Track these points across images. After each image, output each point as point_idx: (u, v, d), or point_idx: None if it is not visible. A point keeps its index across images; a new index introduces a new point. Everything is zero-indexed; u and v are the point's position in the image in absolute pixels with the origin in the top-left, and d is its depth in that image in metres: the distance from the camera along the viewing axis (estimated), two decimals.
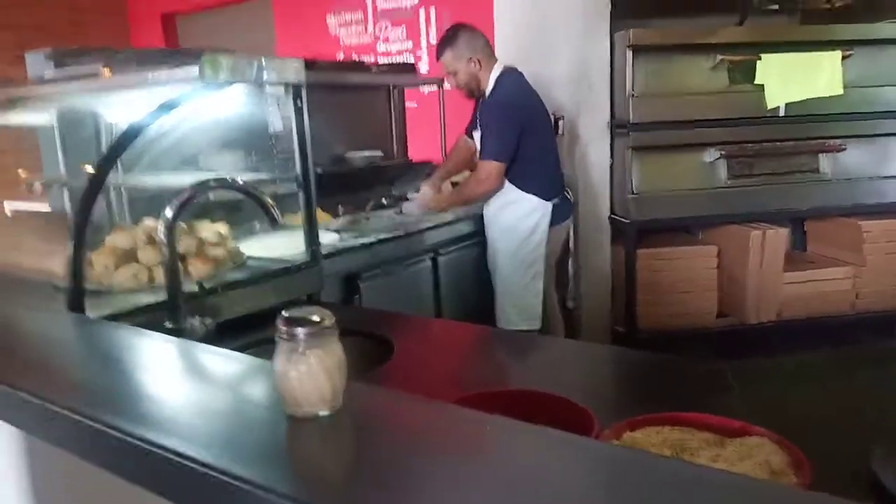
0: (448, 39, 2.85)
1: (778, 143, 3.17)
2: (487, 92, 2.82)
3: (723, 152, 3.11)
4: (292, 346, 0.69)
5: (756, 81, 3.02)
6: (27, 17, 6.49)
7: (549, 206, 2.78)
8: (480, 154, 2.79)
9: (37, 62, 2.41)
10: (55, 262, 1.55)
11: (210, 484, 0.61)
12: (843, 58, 3.00)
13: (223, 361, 0.92)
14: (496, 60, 2.85)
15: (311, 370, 0.68)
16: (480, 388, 1.21)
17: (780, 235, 3.19)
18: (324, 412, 0.70)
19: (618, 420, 0.88)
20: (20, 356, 1.04)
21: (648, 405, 1.10)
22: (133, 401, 0.83)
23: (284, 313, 0.70)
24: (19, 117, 2.55)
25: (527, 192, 2.77)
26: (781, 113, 3.05)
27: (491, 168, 2.73)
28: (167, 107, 1.51)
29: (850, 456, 0.84)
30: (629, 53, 3.00)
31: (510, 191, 2.79)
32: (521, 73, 2.86)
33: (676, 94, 3.07)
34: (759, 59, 3.01)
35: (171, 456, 0.65)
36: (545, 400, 0.87)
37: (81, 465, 0.78)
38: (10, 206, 5.25)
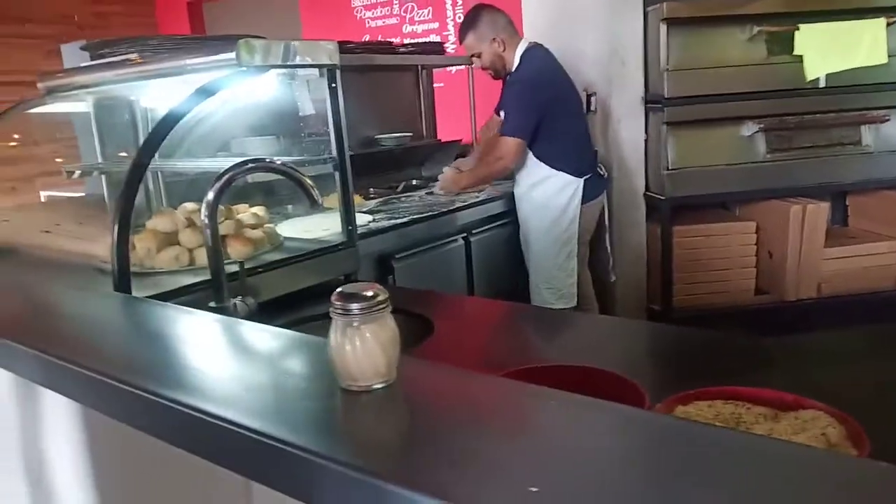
0: (469, 22, 2.83)
1: (818, 115, 3.08)
2: (513, 70, 2.79)
3: (761, 126, 3.04)
4: (347, 321, 0.70)
5: (795, 52, 2.94)
6: (52, 10, 6.59)
7: (580, 182, 2.75)
8: (501, 131, 2.76)
9: (73, 53, 2.45)
10: (95, 246, 1.58)
11: (268, 451, 0.62)
12: (888, 24, 2.90)
13: (272, 337, 0.93)
14: (521, 38, 2.82)
15: (365, 345, 0.69)
16: (525, 365, 1.22)
17: (820, 210, 3.12)
18: (378, 385, 0.71)
19: (665, 396, 0.87)
20: (74, 334, 1.06)
21: (693, 381, 1.09)
22: (189, 374, 0.85)
23: (340, 289, 0.71)
24: (58, 108, 2.60)
25: (557, 169, 2.75)
26: (822, 84, 2.96)
27: (508, 145, 2.71)
28: (205, 92, 1.52)
29: None
30: (663, 27, 2.94)
31: (540, 169, 2.76)
32: (546, 50, 2.82)
33: (712, 67, 3.00)
34: (798, 29, 2.92)
35: (229, 426, 0.66)
36: (594, 375, 0.86)
37: (137, 436, 0.79)
38: (44, 193, 5.38)
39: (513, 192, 2.93)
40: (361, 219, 2.51)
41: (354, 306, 0.69)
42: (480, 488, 0.53)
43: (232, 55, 1.49)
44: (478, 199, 2.87)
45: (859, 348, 1.38)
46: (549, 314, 1.78)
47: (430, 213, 2.61)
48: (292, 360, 0.86)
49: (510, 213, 2.96)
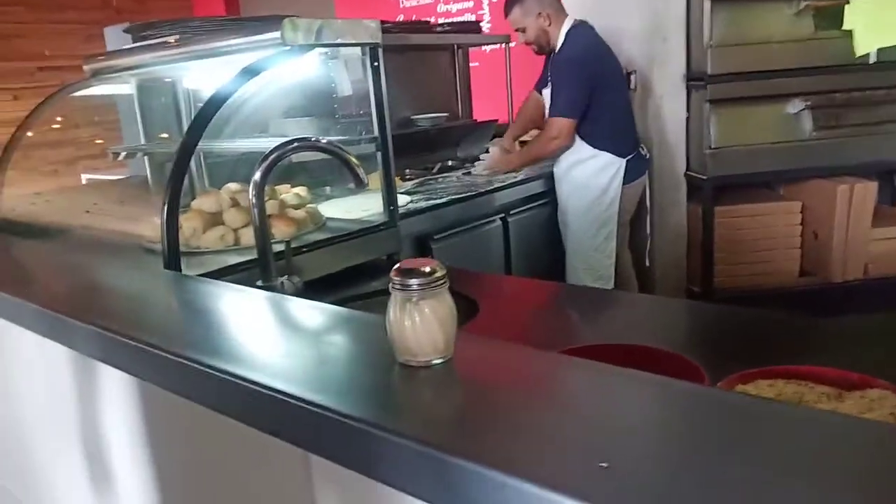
0: None
1: (868, 92, 2.98)
2: (558, 47, 2.75)
3: (808, 103, 2.95)
4: (406, 296, 0.70)
5: (844, 27, 2.84)
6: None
7: (622, 162, 2.71)
8: (550, 110, 2.73)
9: (116, 37, 2.48)
10: (140, 226, 1.61)
11: (328, 424, 0.62)
12: None
13: (325, 313, 0.94)
14: (566, 15, 2.77)
15: (424, 320, 0.69)
16: (569, 343, 1.21)
17: (868, 189, 3.03)
18: (437, 360, 0.71)
19: (721, 376, 0.86)
20: (130, 310, 1.08)
21: (747, 361, 1.07)
22: (245, 349, 0.86)
23: (398, 264, 0.71)
24: (101, 90, 2.64)
25: (599, 148, 2.71)
26: (872, 60, 2.86)
27: (562, 124, 2.68)
28: (250, 72, 1.53)
29: None
30: (707, 2, 2.86)
31: (582, 148, 2.73)
32: (591, 27, 2.77)
33: (757, 43, 2.92)
34: (848, 2, 2.82)
35: (288, 398, 0.67)
36: (652, 355, 0.85)
37: (194, 410, 0.81)
38: (86, 176, 5.48)
39: (552, 172, 2.90)
40: (400, 200, 2.50)
41: (413, 281, 0.69)
42: (549, 463, 0.52)
43: (276, 34, 1.49)
44: (516, 180, 2.85)
45: None
46: (591, 293, 1.76)
47: (468, 194, 2.60)
48: (347, 336, 0.87)
49: (548, 194, 2.94)
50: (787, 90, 2.97)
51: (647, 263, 3.03)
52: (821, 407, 0.74)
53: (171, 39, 1.99)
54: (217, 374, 0.75)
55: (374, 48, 1.70)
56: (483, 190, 2.67)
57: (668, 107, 3.09)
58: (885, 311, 3.13)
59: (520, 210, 2.81)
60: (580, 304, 1.50)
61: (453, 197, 2.56)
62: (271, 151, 1.31)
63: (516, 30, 2.86)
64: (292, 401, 0.67)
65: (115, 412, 1.10)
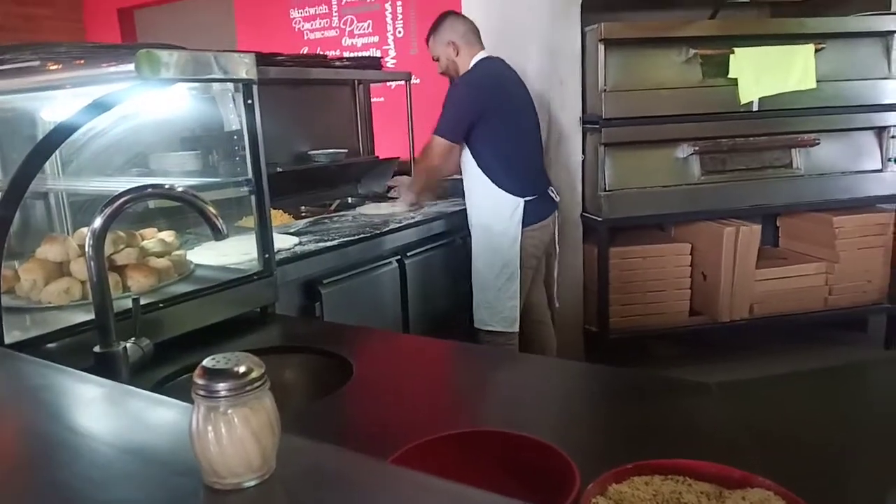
0: (434, 26, 2.82)
1: (751, 139, 3.12)
2: None
3: (696, 148, 3.05)
4: (212, 405, 0.57)
5: (729, 75, 2.97)
6: None
7: (520, 202, 2.67)
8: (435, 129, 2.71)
9: None
10: None
11: None
12: (816, 51, 2.95)
13: (134, 409, 0.79)
14: (480, 48, 2.76)
15: (233, 434, 0.56)
16: (446, 419, 1.11)
17: (753, 232, 3.15)
18: (251, 482, 0.58)
19: (603, 458, 0.79)
20: None
21: (633, 435, 1.01)
22: (25, 471, 0.70)
23: (205, 363, 0.58)
24: None
25: (497, 184, 2.68)
26: (755, 108, 3.00)
27: (434, 143, 2.68)
28: (101, 106, 1.38)
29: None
30: (601, 47, 2.92)
31: (483, 180, 2.70)
32: (502, 62, 2.77)
33: (649, 88, 3.00)
34: (733, 52, 2.95)
35: None
36: (525, 444, 0.77)
37: None
38: None
39: (451, 212, 2.85)
40: (288, 241, 2.37)
41: (221, 386, 0.56)
42: None
43: (131, 67, 1.35)
44: (413, 220, 2.76)
45: (804, 387, 1.33)
46: (479, 354, 1.68)
47: (362, 235, 2.49)
48: (153, 440, 0.71)
49: (447, 234, 2.87)
50: (676, 135, 3.06)
51: (557, 304, 3.01)
52: None
53: (33, 65, 1.80)
54: None
55: (248, 84, 1.58)
56: (378, 231, 2.57)
57: (565, 149, 3.12)
58: (772, 353, 3.26)
59: (417, 251, 2.72)
60: (464, 368, 1.42)
61: (346, 238, 2.44)
62: (115, 197, 1.17)
63: (434, 59, 2.83)
64: None
65: None
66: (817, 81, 2.96)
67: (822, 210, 3.26)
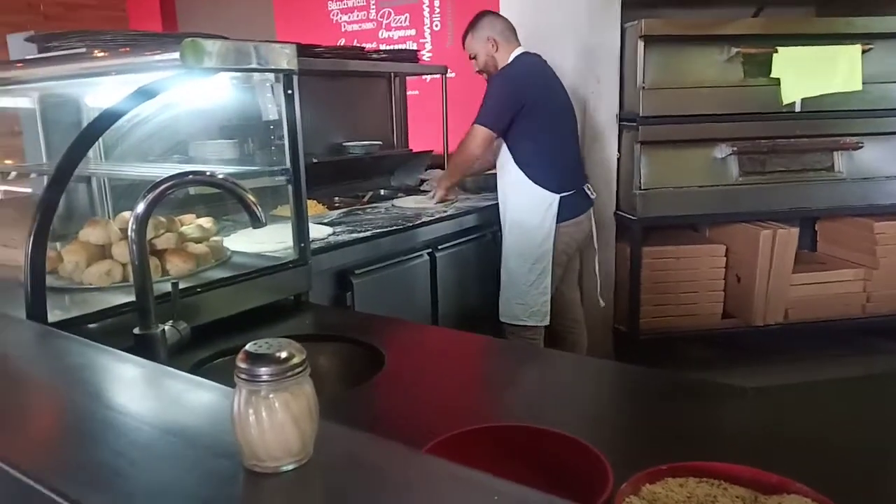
0: (471, 23, 2.82)
1: (792, 140, 3.05)
2: None
3: (734, 148, 3.00)
4: (253, 389, 0.58)
5: (772, 75, 2.91)
6: (20, 1, 6.36)
7: (555, 198, 2.65)
8: (475, 119, 2.70)
9: (19, 45, 2.30)
10: (19, 255, 1.44)
11: None
12: (863, 52, 2.88)
13: (176, 391, 0.80)
14: (518, 45, 2.76)
15: (274, 418, 0.57)
16: (476, 413, 1.12)
17: (790, 235, 3.08)
18: (289, 466, 0.59)
19: (634, 458, 0.78)
20: None
21: (665, 437, 1.00)
22: (66, 447, 0.72)
23: (248, 347, 0.59)
24: (2, 103, 2.45)
25: (532, 179, 2.66)
26: (797, 108, 2.94)
27: (475, 132, 2.67)
28: (145, 93, 1.40)
29: None
30: (640, 44, 2.88)
31: (518, 174, 2.68)
32: (540, 58, 2.77)
33: (688, 87, 2.96)
34: (776, 51, 2.89)
35: None
36: (558, 441, 0.77)
37: None
38: (1, 188, 5.12)
39: (483, 207, 2.85)
40: (322, 231, 2.39)
41: (263, 371, 0.57)
42: None
43: (176, 55, 1.37)
44: (445, 214, 2.77)
45: (842, 393, 1.30)
46: (509, 350, 1.68)
47: (395, 227, 2.50)
48: (194, 424, 0.72)
49: (479, 229, 2.87)
50: (715, 135, 3.01)
51: (602, 303, 3.00)
52: None
53: (79, 52, 1.84)
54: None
55: (288, 75, 1.59)
56: (410, 223, 2.58)
57: (600, 146, 3.09)
58: (806, 359, 3.19)
59: (448, 245, 2.73)
60: (495, 363, 1.42)
61: (378, 230, 2.45)
62: (158, 183, 1.19)
63: (471, 58, 2.83)
64: None
65: None
66: (863, 83, 2.88)
67: (863, 215, 3.18)
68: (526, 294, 2.73)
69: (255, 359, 0.58)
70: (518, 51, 2.74)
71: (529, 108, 2.64)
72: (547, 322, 2.75)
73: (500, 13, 2.87)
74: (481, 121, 2.66)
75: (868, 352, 3.29)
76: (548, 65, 2.78)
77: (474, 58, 2.82)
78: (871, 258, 3.17)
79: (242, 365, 0.58)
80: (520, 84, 2.67)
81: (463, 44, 2.86)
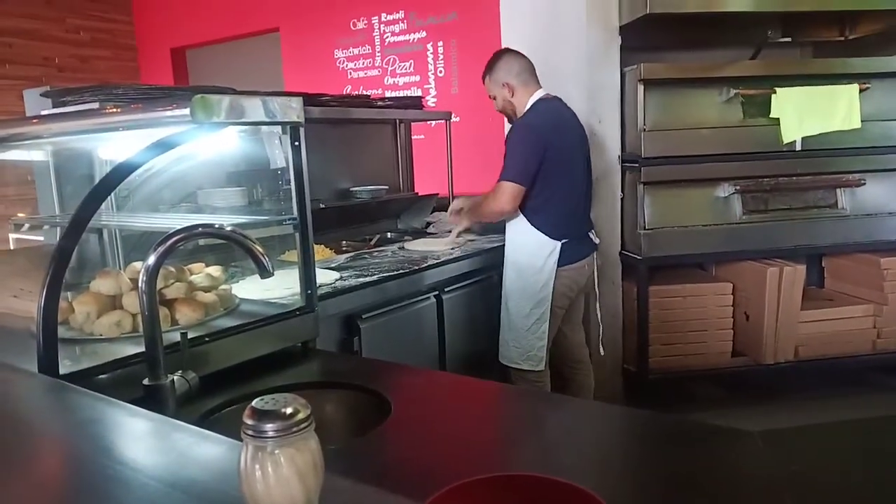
0: (489, 65, 2.79)
1: (794, 178, 3.08)
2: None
3: (737, 187, 3.03)
4: (259, 445, 0.59)
5: (771, 115, 2.95)
6: (34, 53, 6.54)
7: (557, 245, 2.65)
8: (501, 174, 2.67)
9: (35, 99, 2.38)
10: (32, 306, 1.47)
11: None
12: (861, 90, 2.92)
13: (190, 443, 0.81)
14: (537, 87, 2.72)
15: (280, 473, 0.58)
16: (483, 461, 1.12)
17: (797, 272, 3.09)
18: None
19: None
20: None
21: (674, 484, 1.00)
22: (78, 498, 0.73)
23: (254, 404, 0.61)
24: (17, 155, 2.51)
25: (537, 228, 2.66)
26: (798, 147, 2.97)
27: (505, 188, 2.61)
28: (158, 147, 1.44)
29: None
30: (640, 87, 2.94)
31: (521, 220, 2.68)
32: (559, 101, 2.74)
33: (689, 127, 3.00)
34: (774, 92, 2.94)
35: None
36: (559, 489, 0.77)
37: None
38: (14, 236, 5.19)
39: (487, 249, 2.87)
40: (329, 276, 2.42)
41: (269, 427, 0.58)
42: None
43: (187, 111, 1.41)
44: (451, 257, 2.79)
45: (851, 440, 1.28)
46: (517, 395, 1.68)
47: (401, 271, 2.52)
48: (206, 476, 0.73)
49: (484, 271, 2.89)
50: (717, 174, 3.04)
51: (602, 353, 2.96)
52: None
53: (92, 107, 1.90)
54: None
55: (295, 127, 1.63)
56: (416, 267, 2.60)
57: (603, 187, 3.12)
58: (815, 393, 3.16)
59: (454, 287, 2.74)
60: (503, 409, 1.42)
61: (385, 274, 2.47)
62: (168, 236, 1.22)
63: (491, 97, 2.83)
64: None
65: None
66: (862, 121, 2.92)
67: (869, 251, 3.18)
68: (523, 338, 2.70)
69: (261, 415, 0.59)
70: (537, 94, 2.71)
71: (548, 157, 2.62)
72: (542, 367, 2.70)
73: (519, 51, 2.80)
74: (508, 176, 2.62)
75: (879, 388, 3.26)
76: (567, 107, 2.76)
77: (493, 98, 2.81)
78: (879, 294, 3.16)
79: (249, 421, 0.59)
80: (540, 134, 2.63)
81: (483, 82, 2.85)
